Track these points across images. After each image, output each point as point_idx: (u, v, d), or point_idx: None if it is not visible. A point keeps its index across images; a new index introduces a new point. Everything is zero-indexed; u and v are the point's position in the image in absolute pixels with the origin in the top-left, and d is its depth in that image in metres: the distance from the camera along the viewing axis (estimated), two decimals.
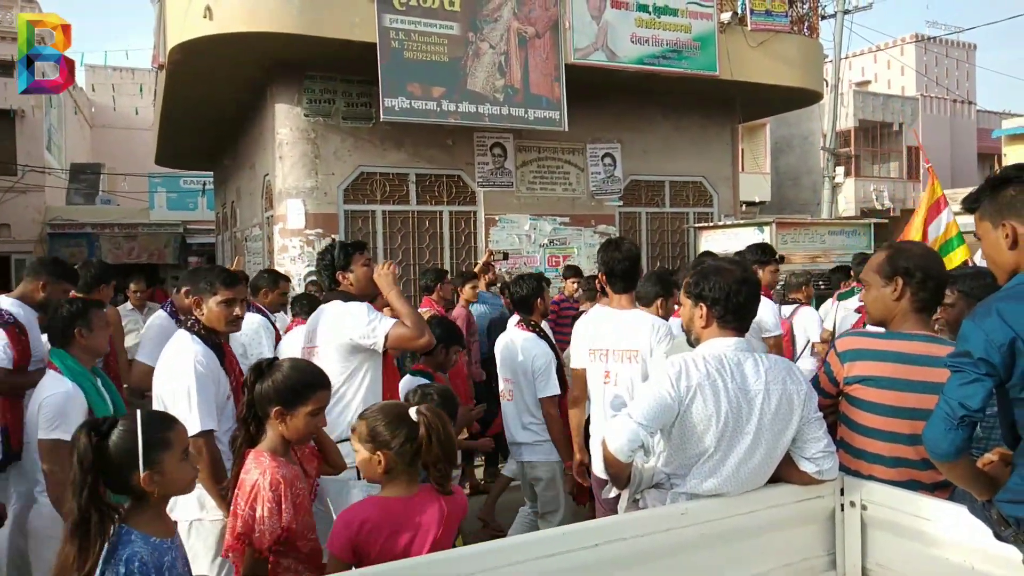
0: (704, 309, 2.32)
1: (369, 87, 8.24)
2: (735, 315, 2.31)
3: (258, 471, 2.27)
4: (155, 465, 1.89)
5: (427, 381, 3.58)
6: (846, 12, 15.04)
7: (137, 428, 1.90)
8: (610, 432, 2.21)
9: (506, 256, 9.56)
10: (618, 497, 2.57)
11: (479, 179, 9.37)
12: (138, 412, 1.97)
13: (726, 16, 9.69)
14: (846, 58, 18.63)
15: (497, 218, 9.51)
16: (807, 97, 11.13)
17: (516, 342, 4.15)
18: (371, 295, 3.36)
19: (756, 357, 2.29)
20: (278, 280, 5.53)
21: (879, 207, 25.13)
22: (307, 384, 2.40)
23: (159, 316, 4.24)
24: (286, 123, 8.43)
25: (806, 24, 10.53)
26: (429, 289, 6.18)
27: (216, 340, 3.05)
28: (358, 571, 1.93)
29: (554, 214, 9.88)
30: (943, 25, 35.60)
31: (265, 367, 2.42)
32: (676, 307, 3.44)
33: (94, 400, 3.04)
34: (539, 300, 4.22)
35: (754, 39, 9.74)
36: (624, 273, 3.49)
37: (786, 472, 2.34)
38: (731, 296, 2.28)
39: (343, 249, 3.37)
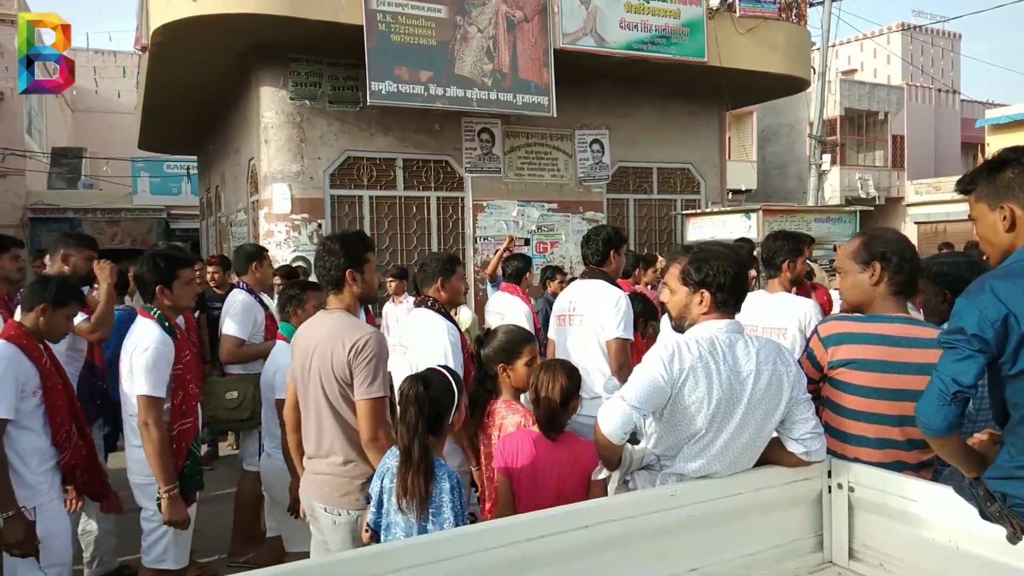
0: (706, 295, 2.32)
1: (356, 71, 8.17)
2: (737, 298, 2.35)
3: (516, 415, 2.85)
4: (460, 408, 2.43)
5: None
6: None
7: (451, 379, 2.42)
8: (603, 415, 2.21)
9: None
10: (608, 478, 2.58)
11: (467, 165, 9.32)
12: (443, 368, 2.48)
13: (715, 2, 9.67)
14: (833, 46, 18.66)
15: (485, 204, 9.48)
16: (795, 85, 11.15)
17: None
18: (618, 276, 3.97)
19: (747, 339, 2.30)
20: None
21: (864, 195, 25.31)
22: (518, 341, 2.95)
23: (240, 294, 4.59)
24: (271, 107, 8.35)
25: (794, 11, 10.53)
26: (628, 274, 6.63)
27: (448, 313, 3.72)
28: (371, 548, 1.93)
29: (542, 200, 9.86)
30: (929, 14, 35.73)
31: (484, 336, 3.02)
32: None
33: None
34: None
35: (742, 25, 9.73)
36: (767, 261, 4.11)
37: (775, 454, 2.36)
38: (735, 279, 2.32)
39: (620, 234, 3.92)
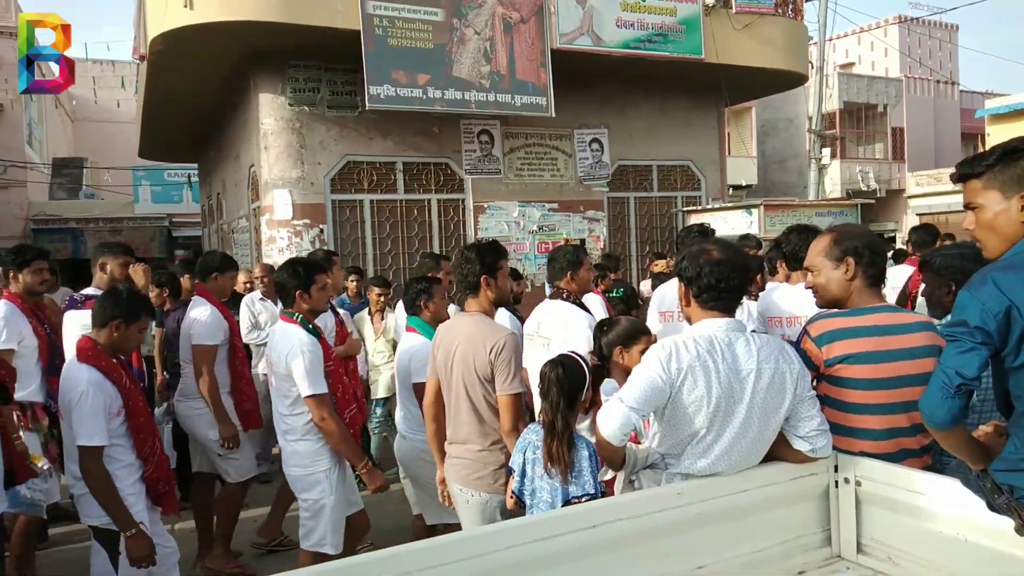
0: (682, 288, 2.35)
1: (354, 75, 8.18)
2: (710, 295, 2.30)
3: None
4: (589, 388, 2.71)
5: None
6: None
7: (583, 363, 2.71)
8: (602, 417, 2.22)
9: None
10: (615, 479, 2.59)
11: (467, 166, 9.33)
12: (574, 354, 2.75)
13: None
14: (830, 40, 18.63)
15: (485, 205, 9.48)
16: (793, 79, 11.14)
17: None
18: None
19: (748, 337, 2.28)
20: (440, 262, 5.60)
21: (865, 188, 25.27)
22: (639, 331, 3.14)
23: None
24: (270, 113, 8.36)
25: (790, 6, 10.51)
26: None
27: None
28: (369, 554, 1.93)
29: (542, 200, 9.86)
30: (925, 6, 35.60)
31: (605, 324, 3.22)
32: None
33: None
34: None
35: (739, 22, 9.72)
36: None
37: (780, 451, 2.35)
38: (721, 280, 2.27)
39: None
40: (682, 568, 2.20)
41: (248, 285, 6.73)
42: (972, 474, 1.98)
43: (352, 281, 6.72)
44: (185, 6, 7.09)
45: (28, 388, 4.12)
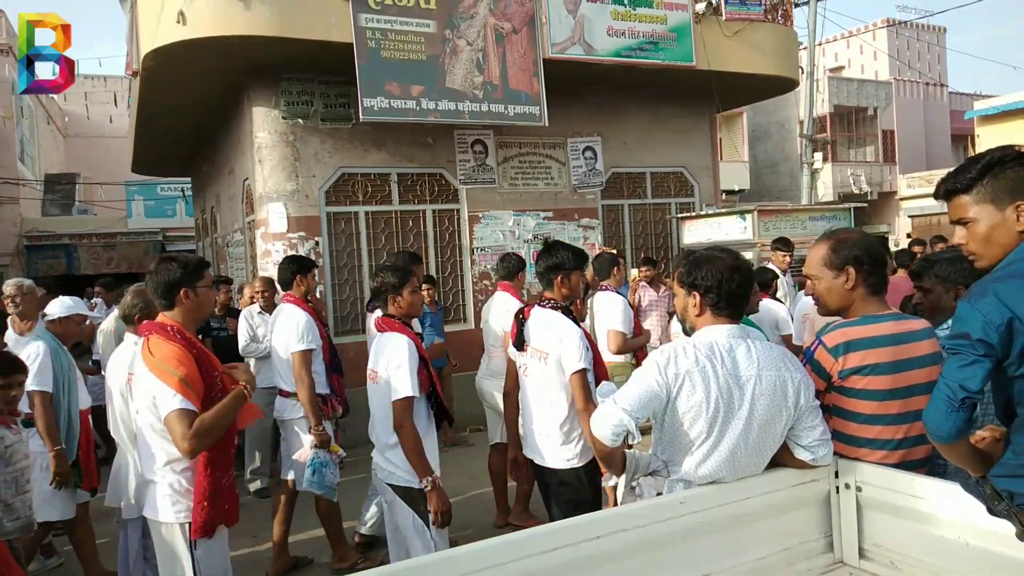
0: (697, 298, 2.34)
1: (347, 88, 8.20)
2: (728, 302, 2.32)
3: None
4: None
5: None
6: None
7: None
8: (595, 418, 2.25)
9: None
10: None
11: (461, 176, 9.35)
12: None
13: (701, 6, 9.72)
14: (820, 44, 18.74)
15: (481, 215, 9.50)
16: (783, 85, 11.20)
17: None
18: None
19: (749, 343, 2.30)
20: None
21: (857, 191, 25.40)
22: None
23: (616, 297, 5.33)
24: (264, 126, 8.37)
25: (780, 12, 10.58)
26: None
27: None
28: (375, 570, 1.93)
29: (537, 209, 9.88)
30: (913, 9, 35.77)
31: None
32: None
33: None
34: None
35: (729, 28, 9.78)
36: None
37: (782, 457, 2.36)
38: (723, 283, 2.30)
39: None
40: None
41: (252, 298, 6.89)
42: (972, 479, 1.98)
43: (427, 290, 7.35)
44: (178, 22, 7.10)
45: (319, 382, 4.85)
